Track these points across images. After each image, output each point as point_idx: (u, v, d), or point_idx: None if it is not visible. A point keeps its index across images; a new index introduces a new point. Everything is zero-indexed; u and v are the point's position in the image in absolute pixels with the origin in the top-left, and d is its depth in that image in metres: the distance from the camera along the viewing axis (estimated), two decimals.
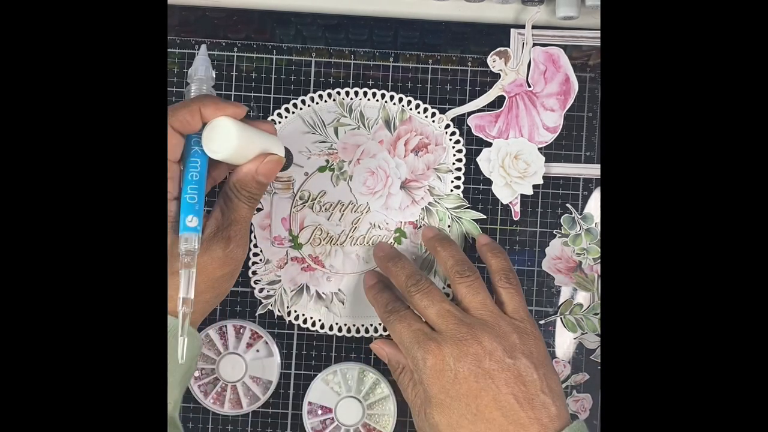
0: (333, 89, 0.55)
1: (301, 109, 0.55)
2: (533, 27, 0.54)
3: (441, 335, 0.47)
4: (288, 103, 0.55)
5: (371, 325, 0.54)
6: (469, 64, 0.55)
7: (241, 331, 0.54)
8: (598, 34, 0.54)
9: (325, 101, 0.55)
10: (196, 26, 0.55)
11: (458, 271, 0.49)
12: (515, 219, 0.55)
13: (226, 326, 0.54)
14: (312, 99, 0.55)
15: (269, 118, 0.54)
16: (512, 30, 0.54)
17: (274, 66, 0.55)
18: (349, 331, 0.54)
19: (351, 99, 0.55)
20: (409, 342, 0.47)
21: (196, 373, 0.54)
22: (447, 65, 0.55)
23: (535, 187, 0.55)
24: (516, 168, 0.54)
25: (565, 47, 0.55)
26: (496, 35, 0.55)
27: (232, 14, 0.55)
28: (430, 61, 0.55)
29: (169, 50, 0.54)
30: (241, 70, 0.55)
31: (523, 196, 0.55)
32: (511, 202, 0.55)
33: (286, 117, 0.55)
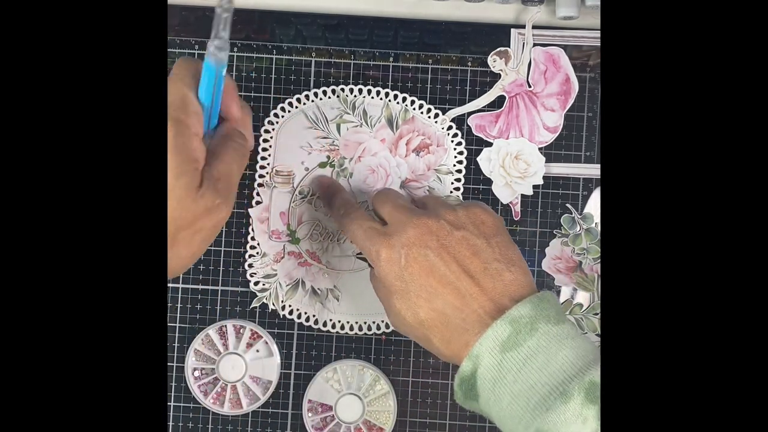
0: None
1: (304, 104, 0.55)
2: (533, 27, 0.54)
3: (390, 227, 0.47)
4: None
5: (365, 322, 0.54)
6: (469, 64, 0.55)
7: (241, 331, 0.54)
8: (598, 34, 0.54)
9: (329, 97, 0.55)
10: (196, 26, 0.55)
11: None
12: (515, 219, 0.55)
13: (226, 326, 0.54)
14: (315, 95, 0.55)
15: (271, 113, 0.54)
16: (512, 30, 0.54)
17: (274, 66, 0.55)
18: (342, 327, 0.54)
19: (354, 96, 0.55)
20: (362, 240, 0.47)
21: (196, 373, 0.54)
22: (447, 65, 0.55)
23: (535, 187, 0.55)
24: (516, 168, 0.54)
25: (565, 47, 0.55)
26: (496, 35, 0.55)
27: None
28: (430, 61, 0.55)
29: (169, 50, 0.54)
30: (241, 69, 0.55)
31: (523, 196, 0.55)
32: (511, 202, 0.55)
33: (288, 111, 0.55)
